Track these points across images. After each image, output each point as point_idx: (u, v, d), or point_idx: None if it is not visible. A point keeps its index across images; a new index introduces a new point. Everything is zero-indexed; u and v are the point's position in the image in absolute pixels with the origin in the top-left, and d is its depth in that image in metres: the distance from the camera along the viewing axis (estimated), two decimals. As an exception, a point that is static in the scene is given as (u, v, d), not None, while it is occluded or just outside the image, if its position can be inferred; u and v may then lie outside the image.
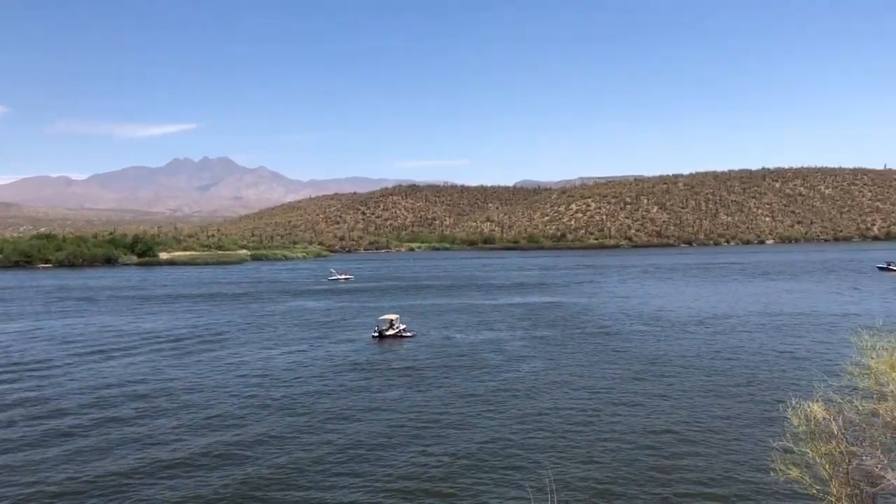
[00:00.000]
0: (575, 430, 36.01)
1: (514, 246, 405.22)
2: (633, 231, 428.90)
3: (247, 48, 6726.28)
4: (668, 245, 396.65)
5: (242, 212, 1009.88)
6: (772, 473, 16.64)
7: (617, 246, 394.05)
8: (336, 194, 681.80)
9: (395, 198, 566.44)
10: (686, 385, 45.43)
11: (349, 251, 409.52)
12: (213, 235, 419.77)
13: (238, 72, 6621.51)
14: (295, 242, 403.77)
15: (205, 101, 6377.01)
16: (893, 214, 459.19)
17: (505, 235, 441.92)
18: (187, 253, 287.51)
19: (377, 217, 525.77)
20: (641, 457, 31.50)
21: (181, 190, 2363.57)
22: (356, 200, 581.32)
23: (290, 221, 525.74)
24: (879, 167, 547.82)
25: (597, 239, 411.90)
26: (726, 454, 31.49)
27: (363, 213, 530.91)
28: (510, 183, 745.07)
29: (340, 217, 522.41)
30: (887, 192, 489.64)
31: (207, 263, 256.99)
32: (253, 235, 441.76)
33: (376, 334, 69.08)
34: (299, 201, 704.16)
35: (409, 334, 70.29)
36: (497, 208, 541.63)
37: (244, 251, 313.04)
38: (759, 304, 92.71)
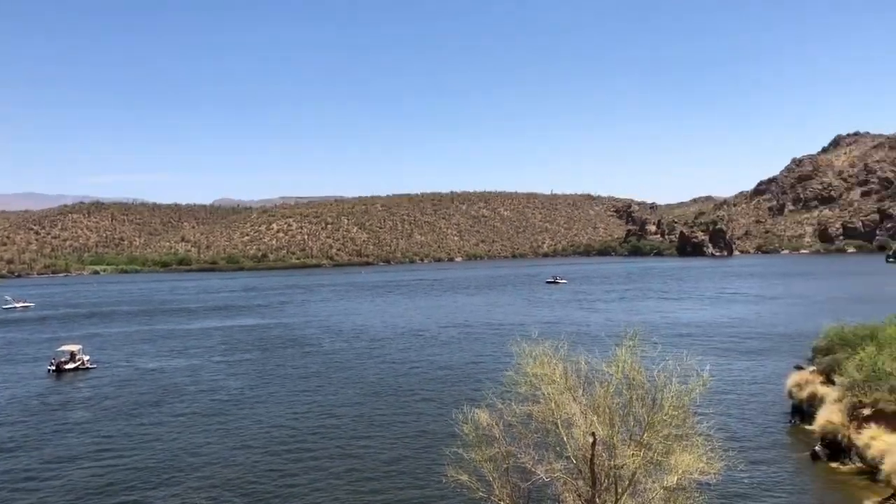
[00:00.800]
0: (267, 461, 35.45)
1: (212, 267, 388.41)
2: (334, 250, 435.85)
3: None
4: (368, 263, 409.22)
5: None
6: (443, 480, 17.92)
7: (319, 265, 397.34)
8: (3, 212, 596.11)
9: (75, 216, 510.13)
10: (382, 402, 47.27)
11: (19, 276, 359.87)
12: None
13: None
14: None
15: None
16: (559, 234, 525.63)
17: (202, 256, 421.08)
18: None
19: (54, 238, 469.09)
20: (337, 483, 31.81)
21: None
22: (28, 219, 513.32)
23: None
24: (547, 192, 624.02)
25: (299, 259, 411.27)
26: (417, 470, 33.08)
27: (37, 234, 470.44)
28: (207, 202, 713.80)
29: (8, 238, 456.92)
30: (553, 215, 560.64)
31: None
32: None
33: (53, 368, 62.27)
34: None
35: (92, 366, 64.24)
36: (193, 227, 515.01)
37: None
38: (449, 317, 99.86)
